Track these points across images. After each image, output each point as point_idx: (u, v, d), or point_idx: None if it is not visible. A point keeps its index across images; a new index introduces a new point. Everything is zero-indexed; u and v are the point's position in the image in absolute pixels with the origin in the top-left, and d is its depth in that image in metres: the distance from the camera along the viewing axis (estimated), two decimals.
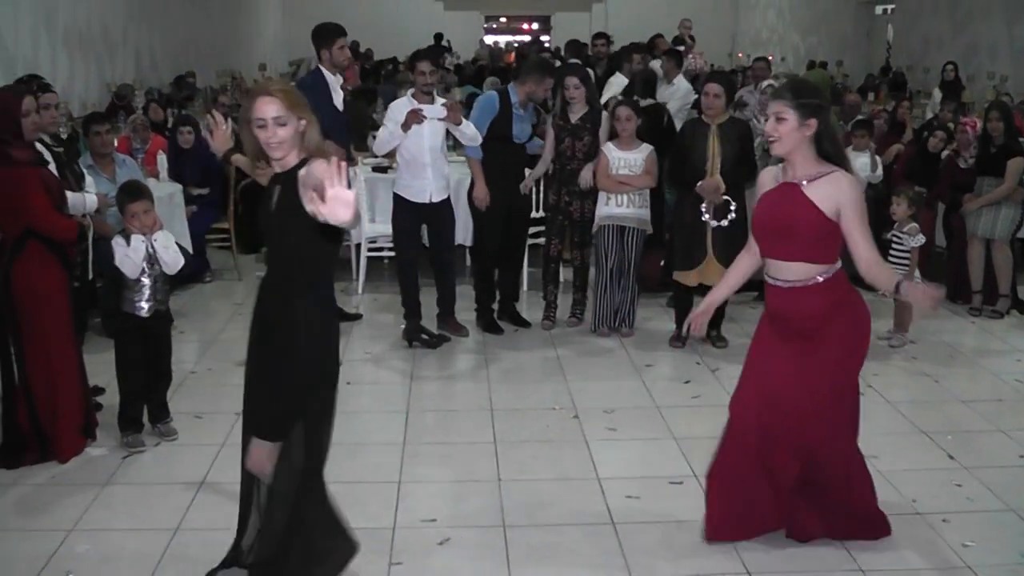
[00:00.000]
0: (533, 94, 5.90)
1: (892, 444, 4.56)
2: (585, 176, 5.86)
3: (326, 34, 5.82)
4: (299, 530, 3.11)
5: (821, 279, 3.35)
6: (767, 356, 3.51)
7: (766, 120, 3.39)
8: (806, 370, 3.40)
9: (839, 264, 3.41)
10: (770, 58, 13.32)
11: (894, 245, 5.91)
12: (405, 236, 5.87)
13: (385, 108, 6.51)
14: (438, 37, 19.16)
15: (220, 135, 3.64)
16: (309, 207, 2.55)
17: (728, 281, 3.72)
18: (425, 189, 5.70)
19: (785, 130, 3.28)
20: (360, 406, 4.89)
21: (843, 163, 3.37)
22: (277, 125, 2.90)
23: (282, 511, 3.13)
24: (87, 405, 4.44)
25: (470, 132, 5.76)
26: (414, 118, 5.47)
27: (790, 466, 3.48)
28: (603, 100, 7.25)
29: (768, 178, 3.51)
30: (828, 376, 3.41)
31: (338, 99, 5.80)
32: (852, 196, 3.28)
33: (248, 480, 3.31)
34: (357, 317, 6.37)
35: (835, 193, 3.28)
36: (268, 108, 2.90)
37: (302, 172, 2.88)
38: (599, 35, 9.75)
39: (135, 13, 13.05)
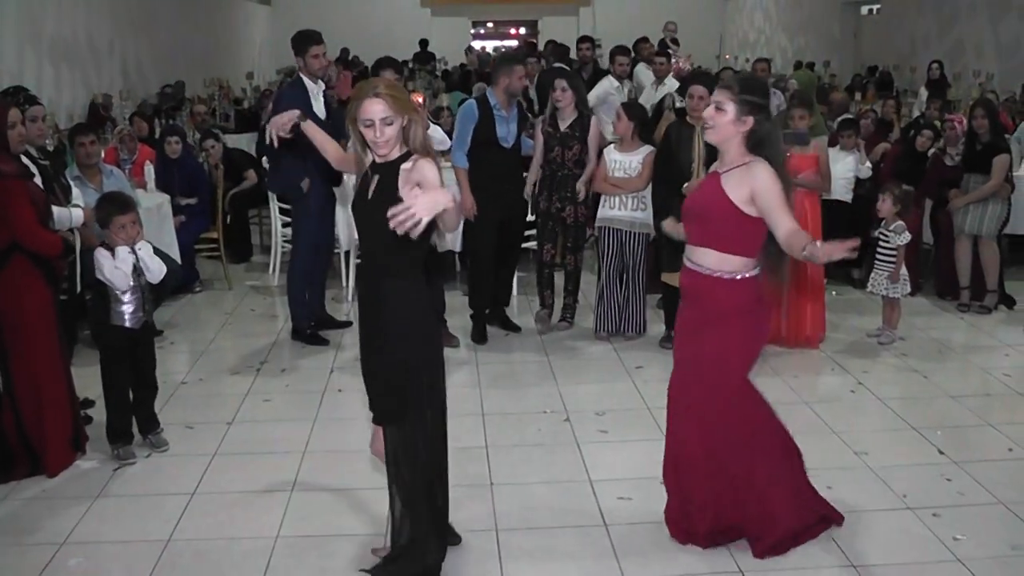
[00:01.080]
0: (509, 87, 5.85)
1: (882, 440, 4.59)
2: (579, 188, 5.92)
3: (301, 42, 5.81)
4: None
5: (738, 277, 3.33)
6: (678, 337, 3.64)
7: (709, 106, 3.40)
8: (693, 356, 3.46)
9: (757, 272, 3.38)
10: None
11: (881, 243, 5.94)
12: None
13: None
14: (424, 43, 19.19)
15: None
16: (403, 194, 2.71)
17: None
18: None
19: (721, 120, 3.31)
20: (353, 413, 4.88)
21: (774, 162, 3.32)
22: (384, 125, 3.04)
23: (408, 501, 3.27)
24: (76, 418, 4.42)
25: (438, 136, 5.75)
26: None
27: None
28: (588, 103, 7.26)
29: (714, 166, 3.53)
30: (705, 371, 3.43)
31: (318, 107, 5.77)
32: (764, 180, 3.24)
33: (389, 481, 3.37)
34: (347, 324, 6.35)
35: (748, 179, 3.27)
36: (375, 109, 3.02)
37: (406, 165, 3.05)
38: (584, 39, 9.76)
39: (121, 23, 13.04)
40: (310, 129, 3.66)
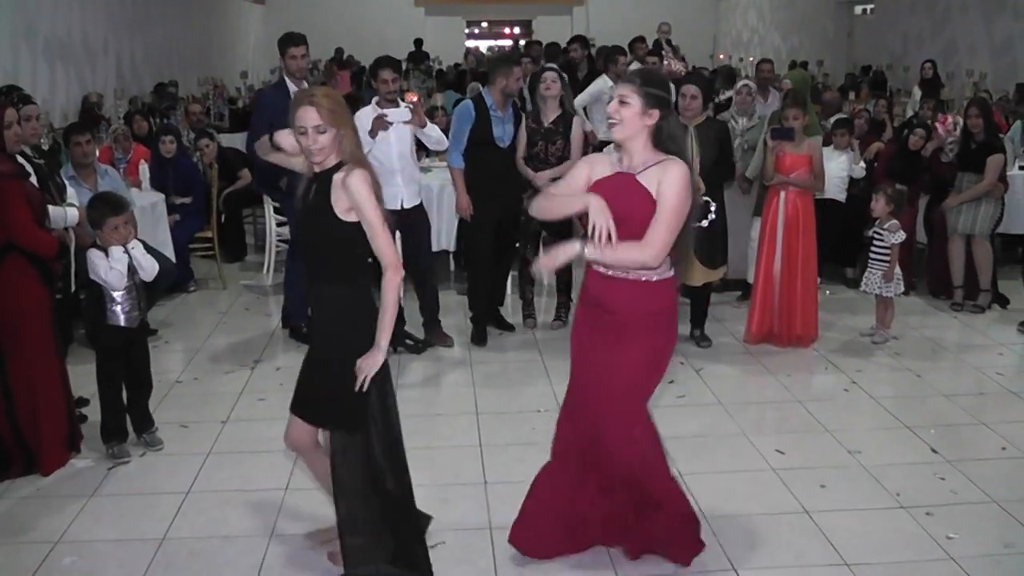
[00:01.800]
0: (506, 88, 5.85)
1: (876, 439, 4.61)
2: (543, 176, 5.84)
3: (283, 43, 5.88)
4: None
5: (644, 279, 3.22)
6: (579, 350, 3.43)
7: (612, 101, 3.28)
8: (608, 366, 3.29)
9: (671, 273, 3.27)
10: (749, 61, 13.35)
11: (875, 242, 5.96)
12: None
13: None
14: (418, 43, 19.17)
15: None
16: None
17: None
18: (396, 196, 5.62)
19: (628, 114, 3.20)
20: None
21: (683, 159, 3.23)
22: (317, 132, 3.05)
23: (358, 506, 3.24)
24: (71, 417, 4.42)
25: (435, 135, 5.76)
26: (379, 124, 5.47)
27: (592, 478, 3.45)
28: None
29: (603, 165, 3.37)
30: (627, 378, 3.29)
31: None
32: (674, 181, 3.14)
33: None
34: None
35: (662, 177, 3.16)
36: (309, 116, 3.04)
37: (338, 176, 3.06)
38: (576, 38, 9.75)
39: (116, 22, 13.01)
40: (275, 157, 3.55)
